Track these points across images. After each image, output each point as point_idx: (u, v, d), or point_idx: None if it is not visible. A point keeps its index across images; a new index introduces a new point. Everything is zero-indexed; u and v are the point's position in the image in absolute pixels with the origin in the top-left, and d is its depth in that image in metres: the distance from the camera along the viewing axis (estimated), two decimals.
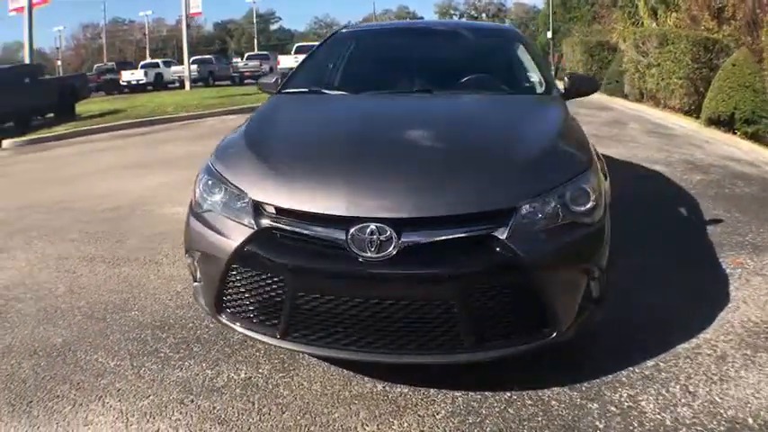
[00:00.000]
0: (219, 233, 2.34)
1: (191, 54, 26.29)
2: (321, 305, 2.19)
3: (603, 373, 2.44)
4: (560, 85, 3.55)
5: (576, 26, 30.83)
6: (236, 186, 2.39)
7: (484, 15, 74.71)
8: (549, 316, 2.20)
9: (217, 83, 31.47)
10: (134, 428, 2.19)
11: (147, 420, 2.23)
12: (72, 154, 9.65)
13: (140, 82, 32.34)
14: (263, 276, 2.27)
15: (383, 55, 4.19)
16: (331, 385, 2.41)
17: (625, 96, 14.84)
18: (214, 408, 2.29)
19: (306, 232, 2.20)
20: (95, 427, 2.21)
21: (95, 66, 39.18)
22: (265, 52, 37.39)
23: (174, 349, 2.76)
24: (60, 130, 12.28)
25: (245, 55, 36.16)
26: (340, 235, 2.14)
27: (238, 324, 2.38)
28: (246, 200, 2.32)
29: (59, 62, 55.45)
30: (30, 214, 5.41)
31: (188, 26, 27.99)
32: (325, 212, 2.19)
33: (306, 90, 3.71)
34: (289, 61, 28.71)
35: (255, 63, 33.38)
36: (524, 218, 2.19)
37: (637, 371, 2.47)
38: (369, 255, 2.09)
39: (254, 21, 52.36)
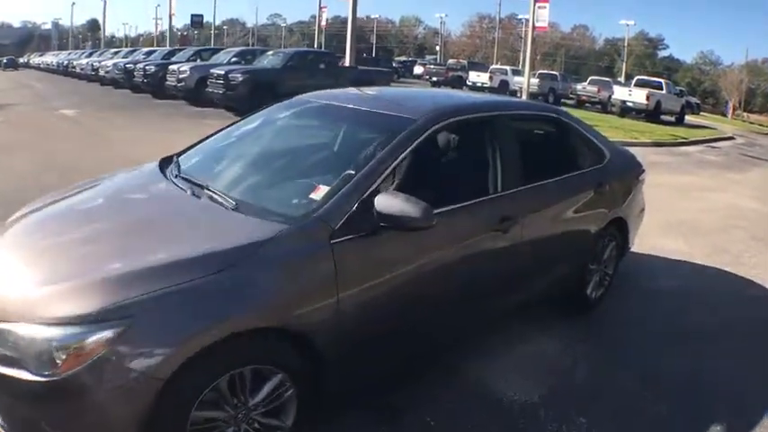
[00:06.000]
0: None
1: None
2: None
3: None
4: None
5: None
6: None
7: None
8: None
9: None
10: None
11: None
12: None
13: (484, 85, 32.11)
14: None
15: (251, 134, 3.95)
16: None
17: None
18: None
19: None
20: None
21: (448, 61, 42.10)
22: (608, 79, 34.53)
23: None
24: None
25: (589, 78, 33.99)
26: None
27: None
28: None
29: (438, 47, 61.54)
30: None
31: (533, 40, 27.87)
32: None
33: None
34: (622, 93, 26.63)
35: (593, 89, 30.98)
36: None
37: None
38: None
39: (626, 44, 49.29)
